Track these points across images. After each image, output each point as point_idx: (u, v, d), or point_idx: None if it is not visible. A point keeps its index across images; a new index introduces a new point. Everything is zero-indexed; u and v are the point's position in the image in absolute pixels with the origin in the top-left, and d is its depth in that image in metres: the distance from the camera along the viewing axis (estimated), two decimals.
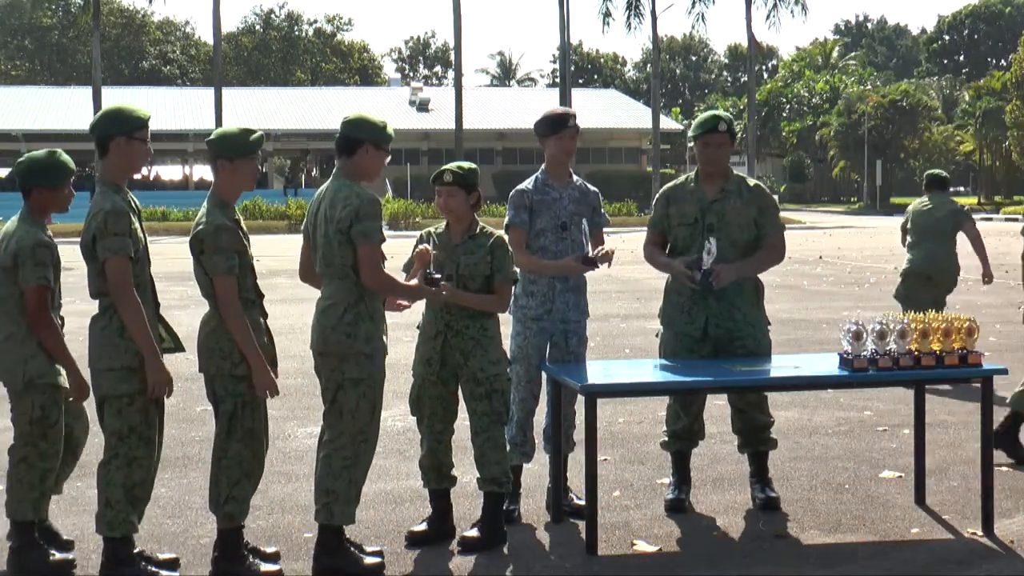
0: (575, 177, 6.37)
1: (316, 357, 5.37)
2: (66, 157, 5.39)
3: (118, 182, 5.12)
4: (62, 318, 5.42)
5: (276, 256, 25.76)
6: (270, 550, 5.45)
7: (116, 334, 5.03)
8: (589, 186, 6.42)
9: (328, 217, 5.20)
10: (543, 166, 6.34)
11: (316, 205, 5.33)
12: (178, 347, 5.40)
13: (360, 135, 5.30)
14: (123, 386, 5.03)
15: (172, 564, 5.32)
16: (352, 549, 5.30)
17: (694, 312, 6.26)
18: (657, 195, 6.57)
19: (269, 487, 6.83)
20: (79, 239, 5.14)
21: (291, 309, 16.12)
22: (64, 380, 5.28)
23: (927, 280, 10.60)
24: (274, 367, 5.30)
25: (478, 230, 5.76)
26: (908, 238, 10.96)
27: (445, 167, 5.83)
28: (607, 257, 6.10)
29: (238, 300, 5.09)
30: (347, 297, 5.20)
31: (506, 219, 6.25)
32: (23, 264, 5.15)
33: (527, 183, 6.31)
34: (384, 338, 5.30)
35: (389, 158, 5.50)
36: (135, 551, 5.18)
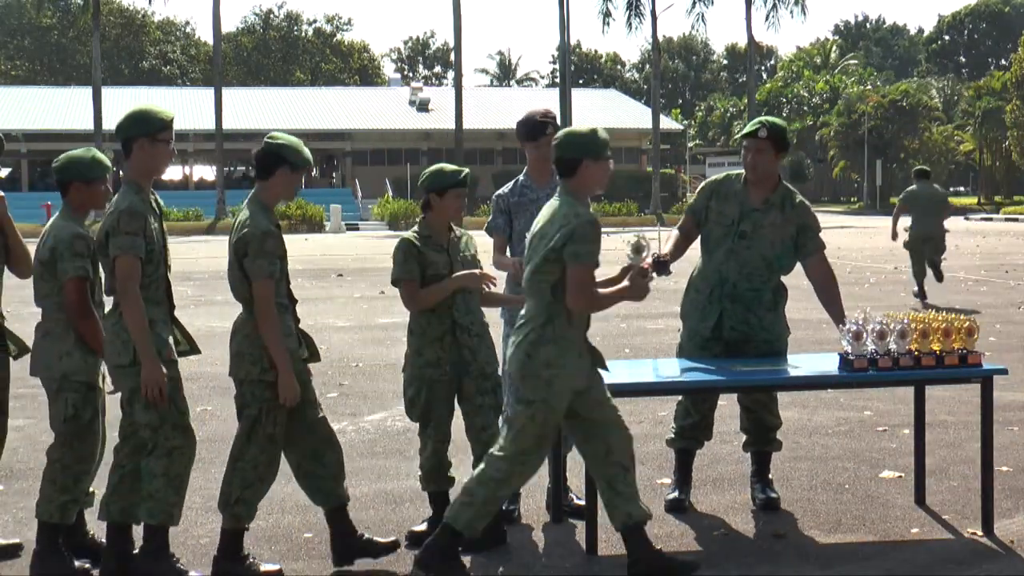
0: (557, 177, 6.33)
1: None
2: (102, 155, 5.41)
3: (141, 182, 5.15)
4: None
5: None
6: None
7: (125, 330, 5.04)
8: None
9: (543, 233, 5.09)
10: (526, 167, 6.35)
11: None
12: (193, 349, 5.42)
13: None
14: (139, 379, 5.04)
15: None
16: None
17: (708, 311, 6.26)
18: (704, 183, 6.50)
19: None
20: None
21: None
22: (100, 379, 5.28)
23: (927, 239, 16.82)
24: (315, 358, 5.39)
25: (457, 231, 5.81)
26: (910, 213, 16.92)
27: (462, 170, 5.80)
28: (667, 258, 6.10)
29: (275, 305, 5.10)
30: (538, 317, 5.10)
31: (486, 224, 6.35)
32: (61, 256, 5.17)
33: (506, 187, 6.33)
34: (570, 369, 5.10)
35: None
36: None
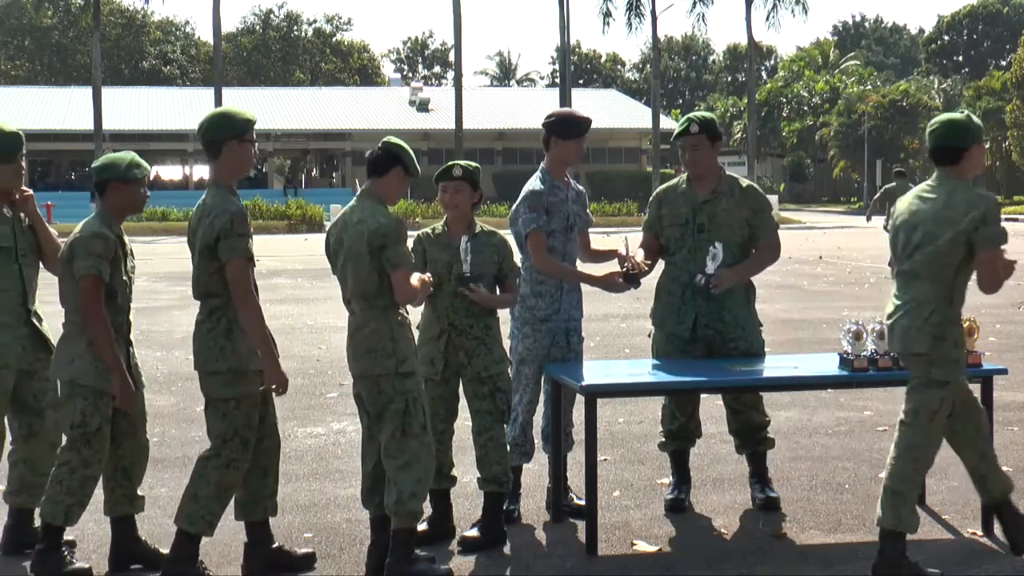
0: (569, 177, 6.36)
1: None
2: (140, 159, 5.41)
3: (230, 184, 5.17)
4: (130, 322, 5.35)
5: (276, 256, 25.77)
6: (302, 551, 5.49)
7: (223, 336, 5.05)
8: (578, 185, 6.41)
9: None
10: (544, 165, 6.22)
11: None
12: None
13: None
14: (229, 390, 5.07)
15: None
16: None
17: (683, 312, 6.27)
18: (651, 197, 6.57)
19: None
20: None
21: (291, 309, 16.14)
22: (110, 386, 5.21)
23: None
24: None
25: (479, 229, 5.77)
26: (889, 206, 17.40)
27: (452, 163, 5.82)
28: (639, 272, 6.13)
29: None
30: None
31: (522, 221, 6.07)
32: (76, 255, 5.15)
33: (538, 184, 6.14)
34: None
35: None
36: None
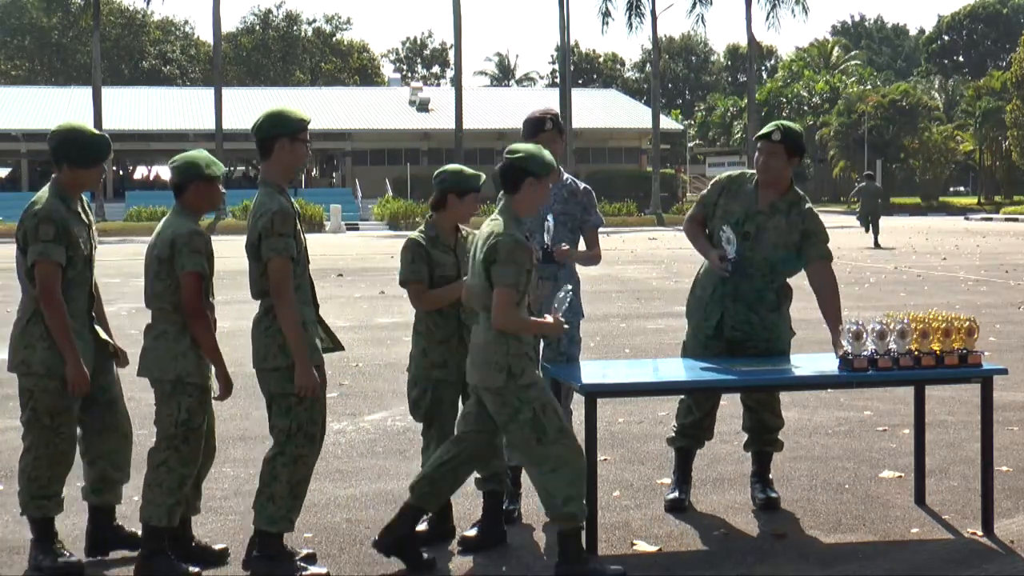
0: (566, 176, 6.34)
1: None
2: (214, 158, 5.42)
3: (281, 183, 5.19)
4: (215, 319, 5.37)
5: None
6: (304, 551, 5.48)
7: (280, 332, 5.08)
8: (580, 184, 6.38)
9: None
10: None
11: None
12: (337, 346, 5.47)
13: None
14: (291, 385, 5.09)
15: (313, 558, 5.38)
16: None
17: (710, 309, 6.27)
18: (717, 178, 6.49)
19: None
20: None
21: None
22: (213, 382, 5.28)
23: (870, 213, 32.12)
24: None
25: (464, 231, 5.80)
26: (860, 199, 33.13)
27: (480, 175, 5.78)
28: (564, 253, 6.05)
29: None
30: None
31: None
32: (179, 251, 5.14)
33: None
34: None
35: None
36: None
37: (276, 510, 5.12)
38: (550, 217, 6.07)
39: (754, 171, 6.35)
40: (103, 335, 5.51)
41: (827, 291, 6.26)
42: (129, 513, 5.84)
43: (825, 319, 6.22)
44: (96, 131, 5.52)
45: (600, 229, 6.45)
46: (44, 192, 5.35)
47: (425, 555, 5.33)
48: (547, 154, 5.28)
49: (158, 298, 5.24)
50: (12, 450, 7.46)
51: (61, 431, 5.31)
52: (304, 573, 5.15)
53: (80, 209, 5.39)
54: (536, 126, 6.17)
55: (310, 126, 5.27)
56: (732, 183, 6.35)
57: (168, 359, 5.20)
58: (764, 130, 6.23)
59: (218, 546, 5.52)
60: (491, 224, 5.19)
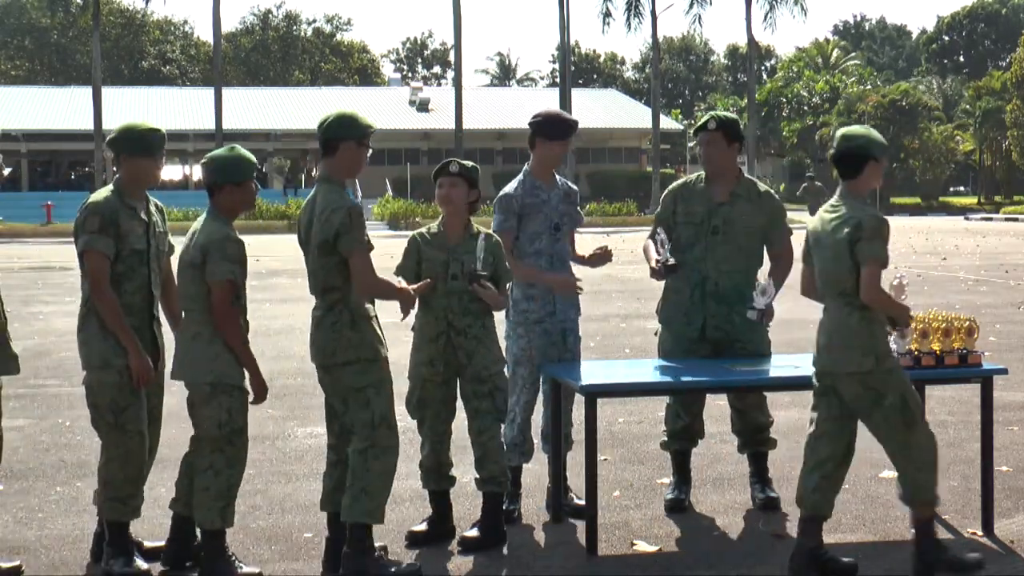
0: (558, 177, 6.33)
1: None
2: (248, 153, 5.42)
3: (342, 182, 5.24)
4: (247, 321, 5.36)
5: (276, 256, 25.76)
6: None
7: (348, 327, 5.14)
8: (571, 185, 6.40)
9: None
10: (528, 167, 6.26)
11: None
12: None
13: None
14: (364, 377, 5.14)
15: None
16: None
17: (692, 313, 6.26)
18: (666, 191, 6.52)
19: (269, 487, 6.84)
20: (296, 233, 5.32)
21: (291, 309, 16.12)
22: (247, 383, 5.28)
23: (817, 209, 27.52)
24: None
25: (475, 231, 5.78)
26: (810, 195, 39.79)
27: (450, 159, 5.83)
28: (605, 258, 6.10)
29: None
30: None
31: (493, 224, 6.19)
32: (211, 258, 5.15)
33: (513, 187, 6.21)
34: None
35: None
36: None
37: (370, 502, 5.14)
38: (661, 231, 6.11)
39: (699, 173, 6.42)
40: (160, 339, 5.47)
41: (784, 260, 6.36)
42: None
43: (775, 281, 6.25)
44: (153, 126, 5.54)
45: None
46: (103, 190, 5.39)
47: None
48: (881, 137, 5.37)
49: (191, 300, 5.24)
50: (11, 450, 7.47)
51: (128, 428, 5.25)
52: (399, 568, 5.17)
53: (141, 208, 5.37)
54: (567, 129, 6.17)
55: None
56: (683, 189, 6.41)
57: (204, 361, 5.19)
58: (699, 123, 6.30)
59: (159, 543, 5.48)
60: (833, 211, 5.22)
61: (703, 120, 6.27)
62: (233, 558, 5.24)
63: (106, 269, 5.19)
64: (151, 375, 5.26)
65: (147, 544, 5.52)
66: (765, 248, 6.36)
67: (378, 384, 5.18)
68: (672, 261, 6.06)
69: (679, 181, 6.54)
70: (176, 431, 8.23)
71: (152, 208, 5.47)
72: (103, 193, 5.33)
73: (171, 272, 5.56)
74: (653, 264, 6.14)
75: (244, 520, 6.07)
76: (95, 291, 5.19)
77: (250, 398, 5.30)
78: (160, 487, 6.73)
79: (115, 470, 5.26)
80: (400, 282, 5.54)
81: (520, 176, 6.26)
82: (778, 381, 6.13)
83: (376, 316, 5.32)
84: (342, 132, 5.27)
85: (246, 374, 5.27)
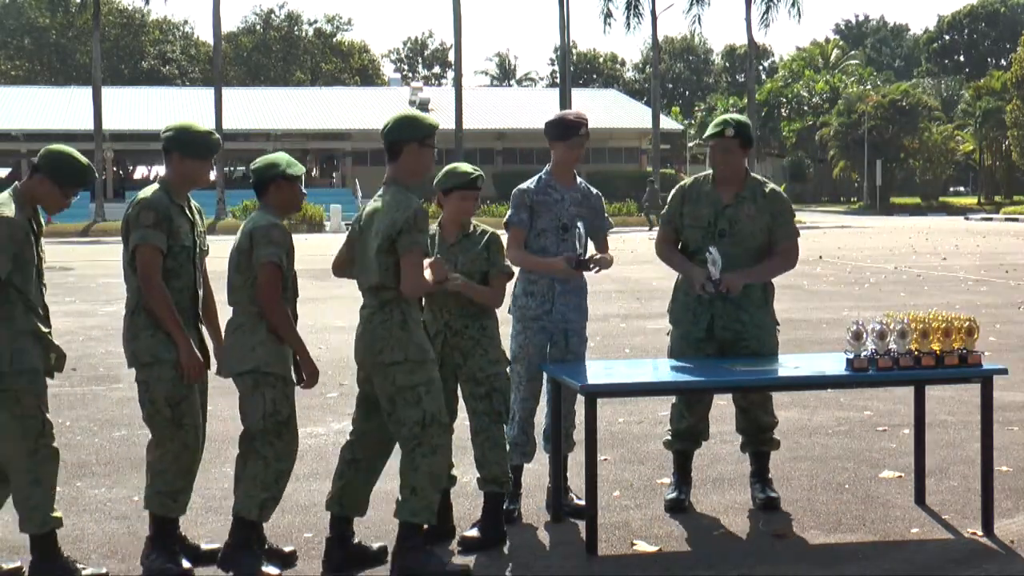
0: (579, 180, 6.37)
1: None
2: (294, 159, 5.46)
3: (407, 184, 5.26)
4: (296, 312, 5.37)
5: None
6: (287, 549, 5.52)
7: (398, 327, 5.16)
8: (592, 189, 6.42)
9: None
10: (548, 166, 6.34)
11: None
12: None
13: None
14: (414, 376, 5.15)
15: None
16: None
17: (699, 312, 6.26)
18: (673, 191, 6.52)
19: None
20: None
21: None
22: (293, 374, 5.28)
23: (656, 211, 27.97)
24: None
25: (471, 229, 5.80)
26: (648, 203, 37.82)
27: (473, 171, 5.80)
28: (600, 263, 6.07)
29: None
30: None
31: (506, 217, 6.27)
32: (257, 243, 5.17)
33: (529, 183, 6.30)
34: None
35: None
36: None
37: (419, 501, 5.15)
38: (581, 224, 6.08)
39: (706, 173, 6.40)
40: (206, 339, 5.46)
41: (780, 257, 6.31)
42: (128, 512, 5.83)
43: (758, 265, 6.22)
44: (210, 129, 5.52)
45: None
46: (150, 187, 5.37)
47: None
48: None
49: (236, 291, 5.27)
50: None
51: (184, 423, 5.23)
52: (452, 566, 5.18)
53: (187, 208, 5.37)
54: (571, 129, 6.20)
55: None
56: (691, 189, 6.40)
57: (245, 351, 5.20)
58: (714, 128, 6.25)
59: (215, 545, 5.50)
60: None
61: (718, 127, 6.22)
62: (256, 549, 5.23)
63: (159, 264, 5.17)
64: (202, 371, 5.26)
65: (204, 547, 5.50)
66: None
67: (428, 383, 5.18)
68: (719, 279, 6.06)
69: (686, 181, 6.52)
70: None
71: (194, 207, 5.47)
72: (152, 190, 5.31)
73: (207, 274, 5.55)
74: (702, 283, 6.10)
75: None
76: (147, 285, 5.15)
77: (299, 385, 5.30)
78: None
79: (169, 463, 5.24)
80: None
81: (541, 173, 6.33)
82: (778, 381, 6.13)
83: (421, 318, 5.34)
84: (403, 134, 5.30)
85: (290, 364, 5.27)
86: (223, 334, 5.42)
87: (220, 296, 5.46)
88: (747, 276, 6.15)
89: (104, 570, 5.29)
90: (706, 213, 6.27)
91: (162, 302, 5.14)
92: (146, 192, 5.30)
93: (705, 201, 6.29)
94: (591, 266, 6.04)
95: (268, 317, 5.20)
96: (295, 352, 5.30)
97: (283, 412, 5.22)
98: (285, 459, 5.25)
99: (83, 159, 5.31)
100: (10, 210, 5.12)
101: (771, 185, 6.39)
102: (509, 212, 6.26)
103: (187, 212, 5.35)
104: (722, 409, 6.86)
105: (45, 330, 5.19)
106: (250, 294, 5.23)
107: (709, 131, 6.30)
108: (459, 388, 5.81)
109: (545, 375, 6.12)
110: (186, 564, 5.26)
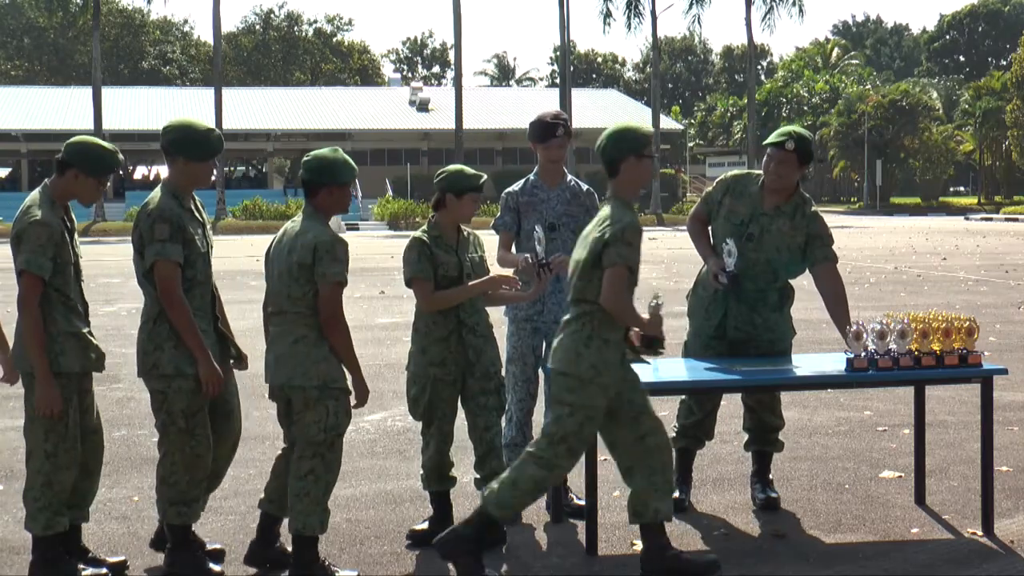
0: (569, 178, 6.34)
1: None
2: (348, 158, 5.34)
3: (629, 199, 5.22)
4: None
5: None
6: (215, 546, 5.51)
7: (583, 344, 5.13)
8: (583, 186, 6.37)
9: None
10: (536, 167, 6.36)
11: None
12: None
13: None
14: (571, 395, 5.11)
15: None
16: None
17: (712, 309, 6.26)
18: (722, 177, 6.47)
19: None
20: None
21: None
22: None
23: None
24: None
25: (466, 231, 5.81)
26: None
27: (481, 175, 5.79)
28: (557, 266, 5.87)
29: None
30: None
31: (493, 221, 6.33)
32: (321, 259, 5.05)
33: (516, 185, 6.34)
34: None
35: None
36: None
37: (512, 495, 5.12)
38: (538, 228, 6.03)
39: (759, 172, 6.32)
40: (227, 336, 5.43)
41: (834, 295, 6.23)
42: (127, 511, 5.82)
43: (834, 322, 6.19)
44: (210, 127, 5.41)
45: None
46: (156, 192, 5.28)
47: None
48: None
49: (296, 302, 5.13)
50: (11, 450, 7.47)
51: (196, 433, 5.21)
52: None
53: (193, 207, 5.31)
54: (548, 131, 6.18)
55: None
56: (738, 183, 6.34)
57: (311, 364, 5.12)
58: (776, 138, 6.15)
59: (215, 545, 5.50)
60: None
61: (780, 138, 6.12)
62: (327, 562, 5.21)
63: (179, 278, 5.10)
64: (221, 385, 5.21)
65: (209, 546, 5.49)
66: (807, 265, 6.27)
67: (578, 408, 5.09)
68: (734, 271, 6.05)
69: (740, 172, 6.44)
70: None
71: (199, 204, 5.42)
72: (159, 196, 5.22)
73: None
74: (716, 272, 6.08)
75: (244, 520, 6.07)
76: (168, 300, 5.08)
77: (352, 402, 5.24)
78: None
79: (180, 473, 5.22)
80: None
81: (530, 175, 6.37)
82: (778, 381, 6.12)
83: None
84: (621, 150, 5.19)
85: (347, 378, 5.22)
86: (269, 342, 5.30)
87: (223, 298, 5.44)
88: (841, 324, 6.03)
89: (104, 570, 5.28)
90: (742, 212, 6.22)
91: (184, 318, 5.09)
92: (154, 200, 5.20)
93: (746, 200, 6.24)
94: (550, 269, 5.87)
95: (330, 334, 5.11)
96: (350, 371, 5.21)
97: (342, 425, 5.19)
98: (333, 469, 5.21)
99: (107, 144, 5.26)
100: (43, 211, 5.09)
101: (814, 207, 6.31)
102: (497, 216, 6.31)
103: (196, 213, 5.30)
104: (723, 409, 6.84)
105: (85, 330, 5.17)
106: (311, 306, 5.11)
107: (771, 139, 6.19)
108: (465, 387, 5.76)
109: (544, 375, 6.12)
110: (217, 568, 5.25)
